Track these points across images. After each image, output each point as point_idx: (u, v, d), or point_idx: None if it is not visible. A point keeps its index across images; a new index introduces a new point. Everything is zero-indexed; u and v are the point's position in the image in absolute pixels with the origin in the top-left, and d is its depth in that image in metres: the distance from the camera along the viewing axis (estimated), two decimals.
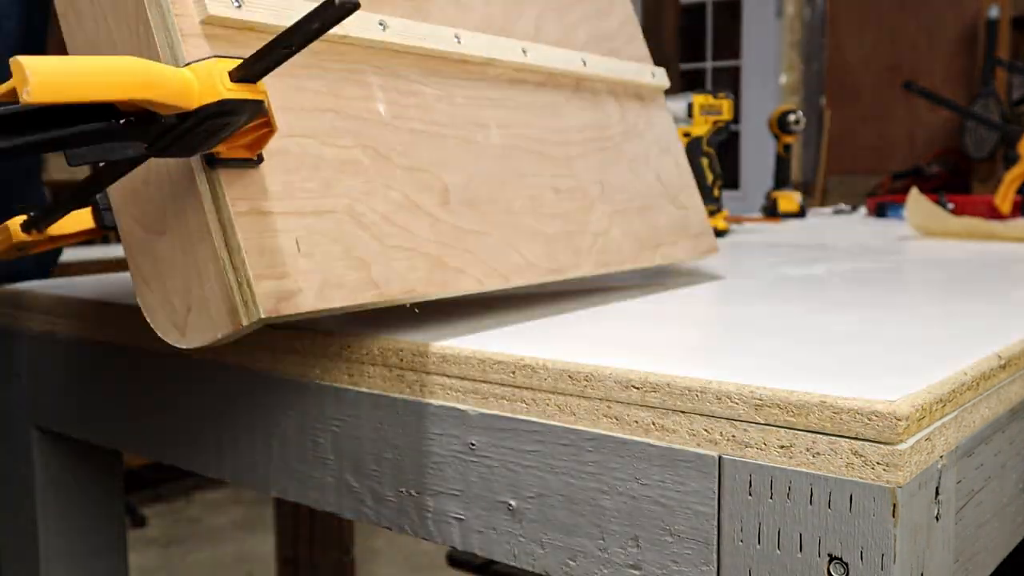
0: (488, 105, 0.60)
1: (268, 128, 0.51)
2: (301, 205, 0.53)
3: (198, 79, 0.45)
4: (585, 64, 0.69)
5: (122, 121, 0.43)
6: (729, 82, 5.23)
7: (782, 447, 0.49)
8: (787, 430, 0.49)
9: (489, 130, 0.60)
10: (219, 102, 0.46)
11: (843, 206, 2.41)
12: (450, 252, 0.57)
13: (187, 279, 0.53)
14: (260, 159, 0.53)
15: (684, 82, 5.09)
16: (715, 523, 0.51)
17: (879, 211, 2.13)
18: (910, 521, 0.47)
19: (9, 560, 1.01)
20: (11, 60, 0.36)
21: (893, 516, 0.46)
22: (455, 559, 2.54)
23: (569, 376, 0.55)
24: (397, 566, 2.91)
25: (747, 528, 0.50)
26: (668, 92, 0.83)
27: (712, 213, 1.59)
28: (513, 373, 0.56)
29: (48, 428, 0.95)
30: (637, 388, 0.53)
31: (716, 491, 0.51)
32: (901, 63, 4.41)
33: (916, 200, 1.61)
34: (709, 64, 5.30)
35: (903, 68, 4.38)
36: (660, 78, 0.80)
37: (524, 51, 0.62)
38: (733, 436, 0.50)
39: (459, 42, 0.58)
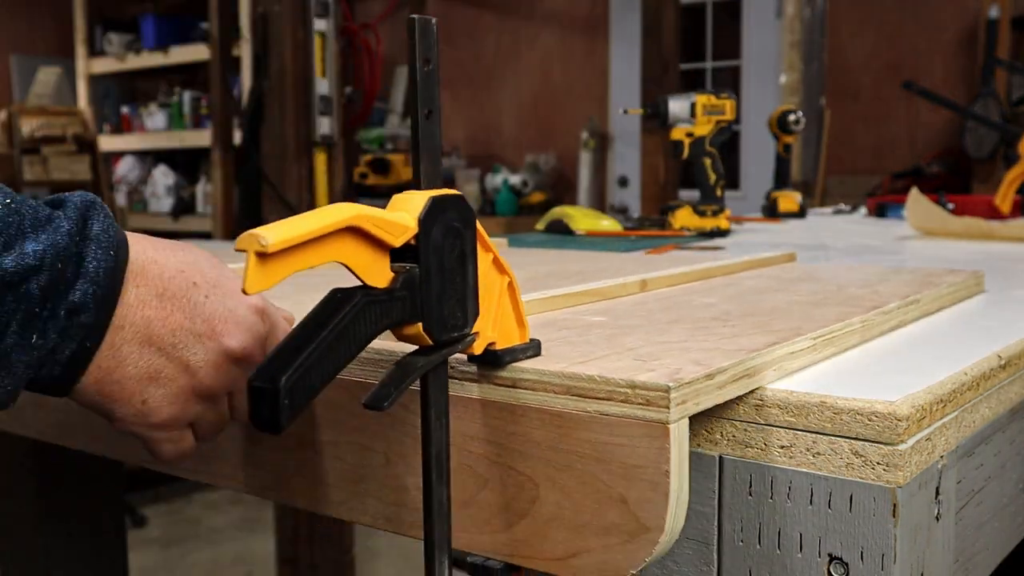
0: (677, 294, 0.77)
1: (507, 278, 0.50)
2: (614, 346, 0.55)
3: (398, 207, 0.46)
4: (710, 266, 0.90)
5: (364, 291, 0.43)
6: (729, 82, 5.23)
7: (782, 447, 0.49)
8: (787, 430, 0.49)
9: (698, 296, 0.74)
10: (431, 200, 0.44)
11: (843, 206, 2.41)
12: (772, 323, 0.62)
13: (583, 494, 0.48)
14: (536, 343, 0.51)
15: (684, 82, 5.09)
16: (715, 523, 0.51)
17: (879, 211, 2.12)
18: (910, 521, 0.47)
19: (9, 560, 1.01)
20: (241, 238, 0.38)
21: (893, 516, 0.46)
22: (455, 559, 2.54)
23: None
24: (397, 566, 2.91)
25: (747, 528, 0.50)
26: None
27: (715, 213, 1.59)
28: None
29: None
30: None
31: (716, 491, 0.51)
32: (901, 63, 4.41)
33: (916, 200, 1.61)
34: (709, 64, 5.30)
35: (903, 68, 4.38)
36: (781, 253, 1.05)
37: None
38: (733, 436, 0.50)
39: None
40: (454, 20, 5.78)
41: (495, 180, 5.01)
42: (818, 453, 0.48)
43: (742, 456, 0.50)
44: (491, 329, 0.49)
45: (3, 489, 1.02)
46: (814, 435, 0.48)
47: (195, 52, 5.32)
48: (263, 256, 0.38)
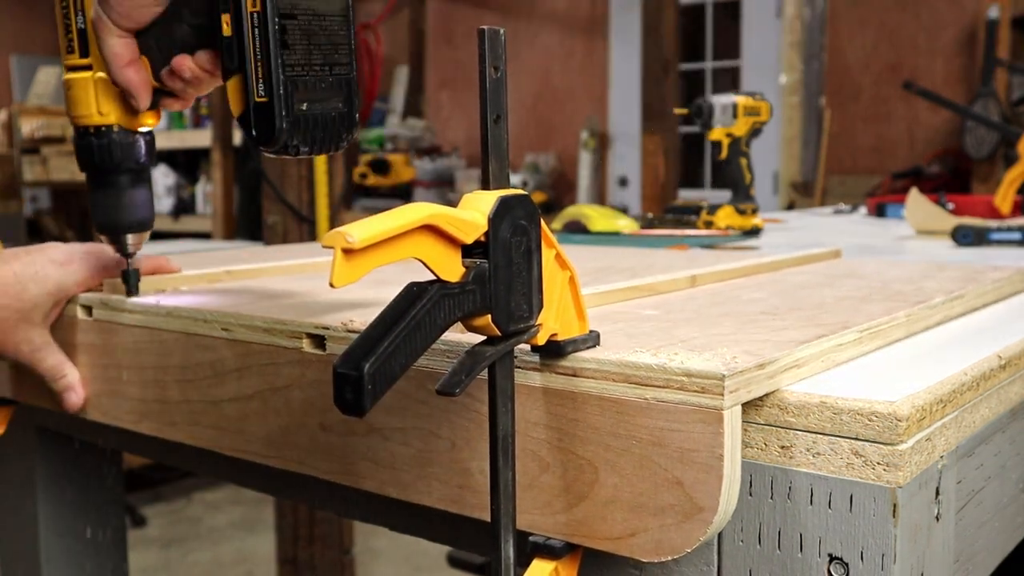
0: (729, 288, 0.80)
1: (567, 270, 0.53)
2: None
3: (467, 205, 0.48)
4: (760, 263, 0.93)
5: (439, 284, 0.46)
6: (729, 82, 5.23)
7: (782, 447, 0.49)
8: (787, 430, 0.49)
9: (747, 291, 0.77)
10: (500, 199, 0.47)
11: (843, 206, 2.41)
12: (819, 317, 0.63)
13: (640, 477, 0.50)
14: (596, 334, 0.54)
15: (684, 82, 5.09)
16: None
17: (879, 211, 2.12)
18: (910, 521, 0.47)
19: (9, 560, 1.01)
20: (327, 236, 0.42)
21: (893, 516, 0.46)
22: (455, 559, 2.54)
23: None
24: (397, 566, 2.91)
25: (747, 528, 0.50)
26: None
27: (753, 212, 1.58)
28: None
29: (48, 428, 0.95)
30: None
31: None
32: (901, 63, 4.41)
33: (916, 200, 1.61)
34: (709, 64, 5.30)
35: (903, 68, 4.38)
36: (825, 249, 1.06)
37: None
38: None
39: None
40: (454, 20, 5.77)
41: None
42: (818, 453, 0.48)
43: (742, 456, 0.50)
44: (554, 321, 0.52)
45: (2, 489, 1.02)
46: (814, 435, 0.48)
47: None
48: (349, 252, 0.41)
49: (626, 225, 1.55)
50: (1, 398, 0.90)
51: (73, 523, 1.00)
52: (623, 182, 5.37)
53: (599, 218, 1.55)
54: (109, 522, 1.03)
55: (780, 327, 0.60)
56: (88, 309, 0.79)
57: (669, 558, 0.49)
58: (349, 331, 0.61)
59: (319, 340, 0.63)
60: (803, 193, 4.67)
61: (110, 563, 1.03)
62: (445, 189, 5.29)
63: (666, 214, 1.65)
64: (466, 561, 2.50)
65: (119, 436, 0.86)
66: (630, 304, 0.71)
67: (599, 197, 5.27)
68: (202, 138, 5.23)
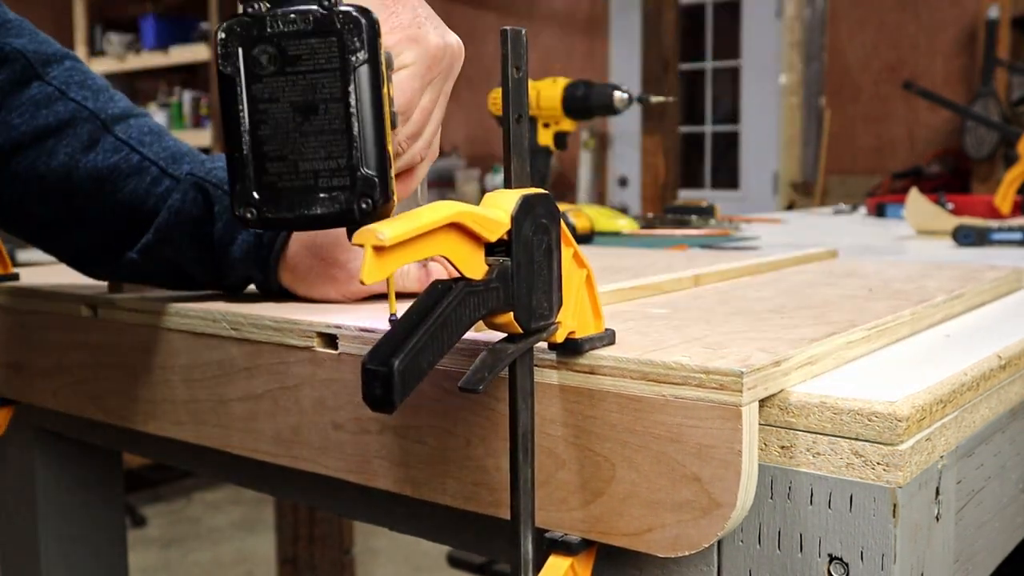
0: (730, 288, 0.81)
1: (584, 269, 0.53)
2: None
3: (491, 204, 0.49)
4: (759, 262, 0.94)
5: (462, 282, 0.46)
6: (729, 82, 5.23)
7: (782, 447, 0.49)
8: (787, 430, 0.49)
9: (751, 290, 0.78)
10: (522, 198, 0.48)
11: (843, 206, 2.41)
12: (827, 315, 0.64)
13: (658, 473, 0.50)
14: (611, 332, 0.54)
15: (684, 82, 5.09)
16: None
17: (879, 211, 2.12)
18: (910, 521, 0.47)
19: (9, 560, 1.01)
20: (357, 233, 0.42)
21: (893, 516, 0.46)
22: (455, 559, 2.55)
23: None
24: (397, 565, 2.91)
25: (747, 528, 0.50)
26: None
27: None
28: None
29: (48, 428, 0.95)
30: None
31: None
32: (901, 63, 4.41)
33: (916, 200, 1.61)
34: (709, 64, 5.30)
35: (903, 68, 4.38)
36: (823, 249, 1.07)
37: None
38: None
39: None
40: (454, 20, 5.77)
41: (495, 180, 5.01)
42: (818, 453, 0.48)
43: None
44: (571, 319, 0.52)
45: (2, 489, 1.02)
46: (814, 435, 0.48)
47: (195, 52, 5.32)
48: (380, 249, 0.42)
49: (626, 225, 1.55)
50: (1, 398, 0.90)
51: (73, 523, 1.00)
52: (623, 182, 5.38)
53: (598, 217, 1.55)
54: (109, 522, 1.03)
55: (791, 325, 0.60)
56: (93, 308, 0.79)
57: (687, 553, 0.49)
58: (362, 330, 0.61)
59: (331, 339, 0.63)
60: (803, 193, 4.67)
61: (110, 563, 1.03)
62: (445, 189, 5.30)
63: (666, 214, 1.65)
64: (466, 561, 2.50)
65: (119, 436, 0.85)
66: (636, 303, 0.71)
67: (599, 197, 5.27)
68: (202, 138, 5.23)
